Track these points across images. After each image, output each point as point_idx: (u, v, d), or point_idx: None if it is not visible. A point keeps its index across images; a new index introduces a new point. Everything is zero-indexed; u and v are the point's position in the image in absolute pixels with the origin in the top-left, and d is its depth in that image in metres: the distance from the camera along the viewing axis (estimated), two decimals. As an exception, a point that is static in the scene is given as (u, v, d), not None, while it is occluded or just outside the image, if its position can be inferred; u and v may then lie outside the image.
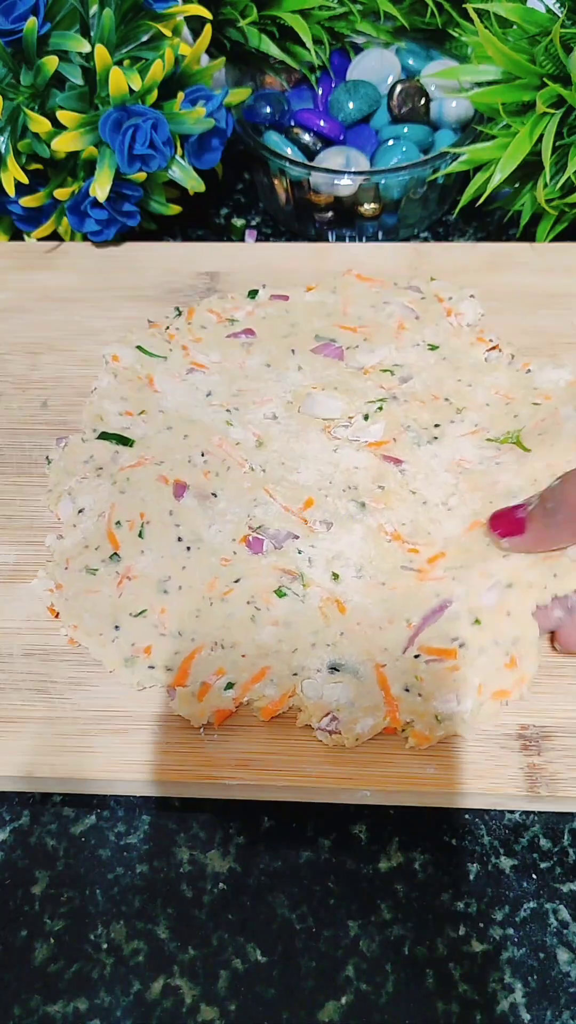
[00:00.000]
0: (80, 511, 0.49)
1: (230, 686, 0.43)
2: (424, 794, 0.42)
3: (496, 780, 0.41)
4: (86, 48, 0.56)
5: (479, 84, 0.61)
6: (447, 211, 0.70)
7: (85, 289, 0.60)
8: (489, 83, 0.60)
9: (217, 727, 0.43)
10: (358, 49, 0.69)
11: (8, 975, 0.40)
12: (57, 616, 0.46)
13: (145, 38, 0.58)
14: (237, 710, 0.43)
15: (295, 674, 0.43)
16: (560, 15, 0.56)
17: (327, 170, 0.62)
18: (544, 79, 0.56)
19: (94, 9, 0.57)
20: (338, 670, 0.44)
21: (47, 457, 0.52)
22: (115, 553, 0.47)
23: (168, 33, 0.58)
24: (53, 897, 0.41)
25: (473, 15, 0.57)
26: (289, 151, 0.64)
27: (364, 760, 0.42)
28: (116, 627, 0.45)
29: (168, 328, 0.57)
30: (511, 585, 0.44)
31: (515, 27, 0.58)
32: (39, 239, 0.63)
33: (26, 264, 0.62)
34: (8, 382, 0.56)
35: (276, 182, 0.66)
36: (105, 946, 0.40)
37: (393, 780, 0.41)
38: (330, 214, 0.66)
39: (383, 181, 0.62)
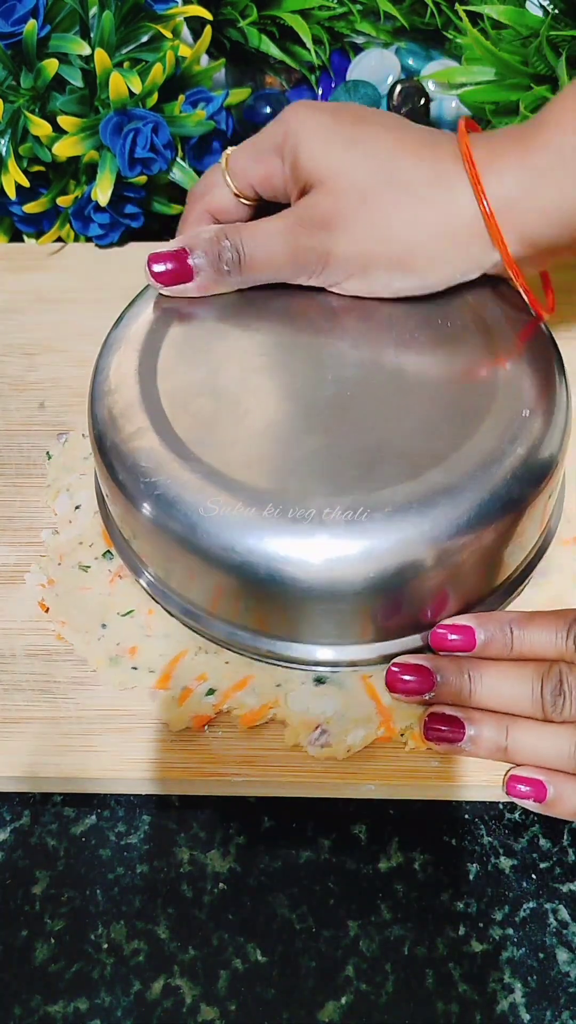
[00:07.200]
0: (77, 507, 0.49)
1: (211, 692, 0.43)
2: (427, 787, 0.42)
3: (499, 771, 0.41)
4: (86, 51, 0.56)
5: (476, 84, 0.61)
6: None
7: (81, 289, 0.60)
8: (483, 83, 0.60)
9: (196, 731, 0.43)
10: (358, 49, 0.69)
11: (8, 975, 0.40)
12: (47, 611, 0.46)
13: (145, 39, 0.58)
14: (216, 717, 0.43)
15: (278, 685, 0.43)
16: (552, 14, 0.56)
17: (327, 171, 0.62)
18: (531, 82, 0.56)
19: (94, 11, 0.57)
20: (323, 682, 0.43)
21: (47, 452, 0.52)
22: (108, 551, 0.47)
23: (168, 34, 0.58)
24: (53, 897, 0.41)
25: (463, 16, 0.57)
26: (289, 152, 0.64)
27: (367, 755, 0.42)
28: (103, 625, 0.45)
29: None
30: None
31: (509, 29, 0.58)
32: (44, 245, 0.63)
33: (22, 265, 0.62)
34: (5, 383, 0.56)
35: (276, 183, 0.65)
36: (105, 946, 0.40)
37: (397, 774, 0.41)
38: (330, 214, 0.66)
39: (383, 181, 0.62)
